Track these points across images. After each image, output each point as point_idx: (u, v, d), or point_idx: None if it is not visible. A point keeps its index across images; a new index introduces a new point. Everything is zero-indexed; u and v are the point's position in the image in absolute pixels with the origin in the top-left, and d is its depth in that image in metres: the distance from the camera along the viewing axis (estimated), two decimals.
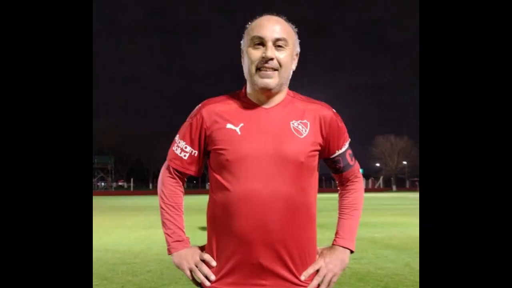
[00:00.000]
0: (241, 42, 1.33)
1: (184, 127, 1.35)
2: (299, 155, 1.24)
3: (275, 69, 1.24)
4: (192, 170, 1.36)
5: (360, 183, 1.45)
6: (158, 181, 1.42)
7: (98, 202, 23.76)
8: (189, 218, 2.64)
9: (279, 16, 1.30)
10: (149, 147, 66.34)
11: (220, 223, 1.26)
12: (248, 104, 1.31)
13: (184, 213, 1.40)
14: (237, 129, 1.26)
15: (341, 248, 1.33)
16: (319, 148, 1.31)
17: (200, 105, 1.35)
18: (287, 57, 1.26)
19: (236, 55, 1.36)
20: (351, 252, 1.35)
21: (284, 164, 1.23)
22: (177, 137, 1.37)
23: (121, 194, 50.12)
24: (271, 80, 1.24)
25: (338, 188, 1.47)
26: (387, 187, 67.97)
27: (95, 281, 4.27)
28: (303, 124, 1.29)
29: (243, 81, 1.34)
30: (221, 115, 1.29)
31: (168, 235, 1.34)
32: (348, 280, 4.30)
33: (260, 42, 1.24)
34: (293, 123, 1.28)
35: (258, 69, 1.24)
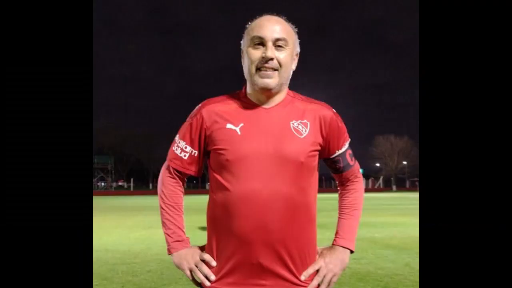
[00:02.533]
0: (241, 42, 1.33)
1: (184, 127, 1.35)
2: (299, 155, 1.24)
3: (275, 69, 1.24)
4: (192, 170, 1.36)
5: (360, 183, 1.45)
6: (158, 181, 1.42)
7: (98, 202, 23.75)
8: (189, 218, 2.64)
9: (279, 16, 1.30)
10: (149, 147, 66.34)
11: (220, 223, 1.26)
12: (248, 104, 1.31)
13: (184, 213, 1.40)
14: (237, 129, 1.26)
15: (341, 248, 1.33)
16: (319, 148, 1.31)
17: (200, 105, 1.36)
18: (287, 57, 1.26)
19: (236, 55, 1.36)
20: (351, 252, 1.35)
21: (284, 164, 1.23)
22: (177, 137, 1.37)
23: (121, 194, 50.10)
24: (271, 80, 1.24)
25: (338, 188, 1.47)
26: (387, 187, 67.96)
27: (95, 281, 4.27)
28: (303, 124, 1.29)
29: (243, 81, 1.34)
30: (221, 115, 1.29)
31: (168, 235, 1.34)
32: (348, 280, 4.30)
33: (260, 42, 1.24)
34: (293, 123, 1.28)
35: (258, 69, 1.24)
